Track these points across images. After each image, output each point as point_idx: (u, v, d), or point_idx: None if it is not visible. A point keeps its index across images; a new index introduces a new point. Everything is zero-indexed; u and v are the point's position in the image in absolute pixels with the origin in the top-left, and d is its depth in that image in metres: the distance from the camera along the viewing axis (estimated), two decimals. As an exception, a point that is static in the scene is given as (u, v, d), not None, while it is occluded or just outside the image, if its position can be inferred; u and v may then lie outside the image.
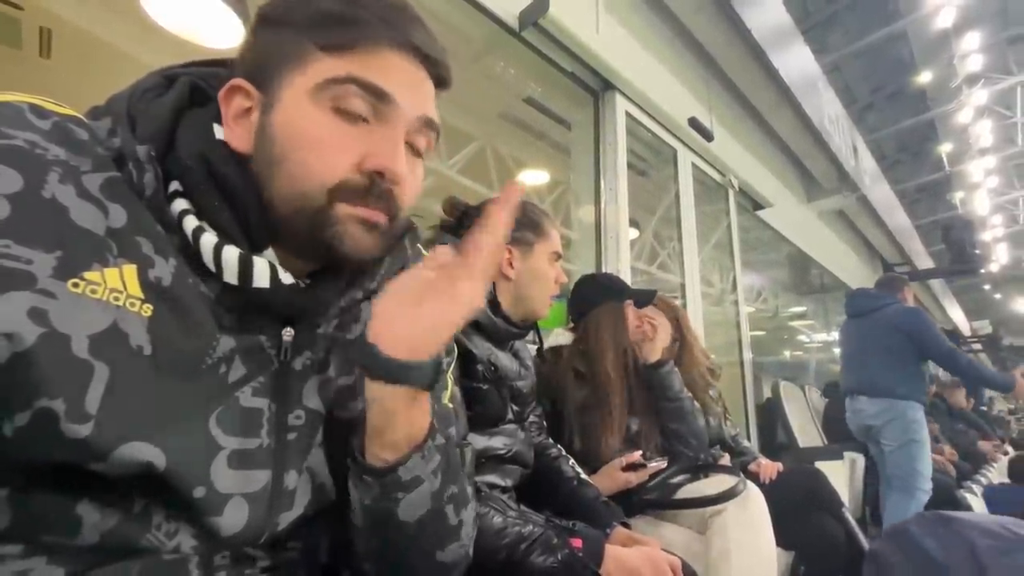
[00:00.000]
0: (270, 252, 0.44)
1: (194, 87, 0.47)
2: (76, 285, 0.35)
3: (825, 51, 8.15)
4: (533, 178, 3.72)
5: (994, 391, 2.66)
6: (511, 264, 1.00)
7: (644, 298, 1.43)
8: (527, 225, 1.02)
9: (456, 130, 3.12)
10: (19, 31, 2.24)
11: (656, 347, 1.42)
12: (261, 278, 0.42)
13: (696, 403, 1.48)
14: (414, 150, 0.48)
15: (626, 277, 2.24)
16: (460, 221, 1.02)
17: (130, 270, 0.38)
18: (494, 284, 0.97)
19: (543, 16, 1.91)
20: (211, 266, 0.41)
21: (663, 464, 1.22)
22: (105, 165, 0.39)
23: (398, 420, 0.44)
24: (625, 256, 2.29)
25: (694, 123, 2.81)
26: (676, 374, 1.43)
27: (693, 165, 2.94)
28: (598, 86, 2.41)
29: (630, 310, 1.40)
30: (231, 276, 0.41)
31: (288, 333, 0.45)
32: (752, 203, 3.67)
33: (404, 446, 0.45)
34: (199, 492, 0.39)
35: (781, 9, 3.73)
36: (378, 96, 0.43)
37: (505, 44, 2.10)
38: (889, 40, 8.54)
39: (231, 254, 0.41)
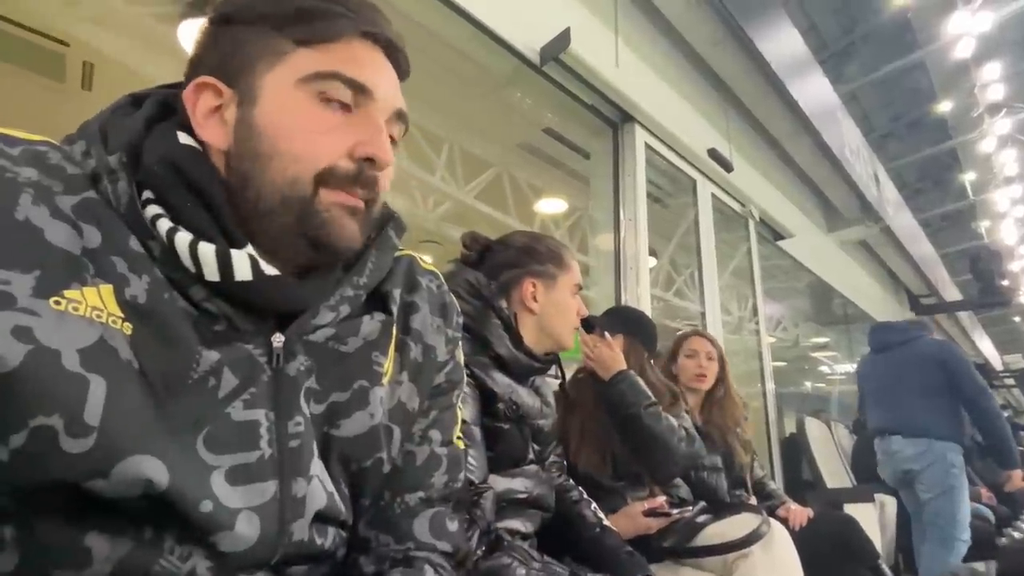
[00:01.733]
0: (249, 248, 0.43)
1: (162, 104, 0.48)
2: (58, 303, 0.35)
3: (842, 81, 8.16)
4: (550, 206, 3.74)
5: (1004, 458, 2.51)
6: (535, 298, 0.99)
7: (587, 324, 1.31)
8: (549, 258, 1.01)
9: (474, 157, 3.16)
10: (63, 65, 2.36)
11: (605, 363, 1.26)
12: (242, 271, 0.41)
13: (671, 418, 1.28)
14: (391, 140, 0.49)
15: (645, 305, 2.22)
16: (482, 256, 1.02)
17: (107, 290, 0.38)
18: (515, 317, 0.96)
19: (564, 51, 1.94)
20: (189, 265, 0.40)
21: (687, 512, 1.17)
22: (79, 186, 0.40)
23: None
24: (645, 285, 2.27)
25: (714, 154, 2.81)
26: (636, 384, 1.24)
27: (713, 195, 2.93)
28: (617, 118, 2.43)
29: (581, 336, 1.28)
30: (211, 273, 0.40)
31: (278, 339, 0.44)
32: (773, 233, 3.63)
33: None
34: (206, 506, 0.38)
35: (799, 40, 3.76)
36: (360, 90, 0.45)
37: (526, 77, 2.14)
38: (907, 70, 8.53)
39: (207, 250, 0.40)
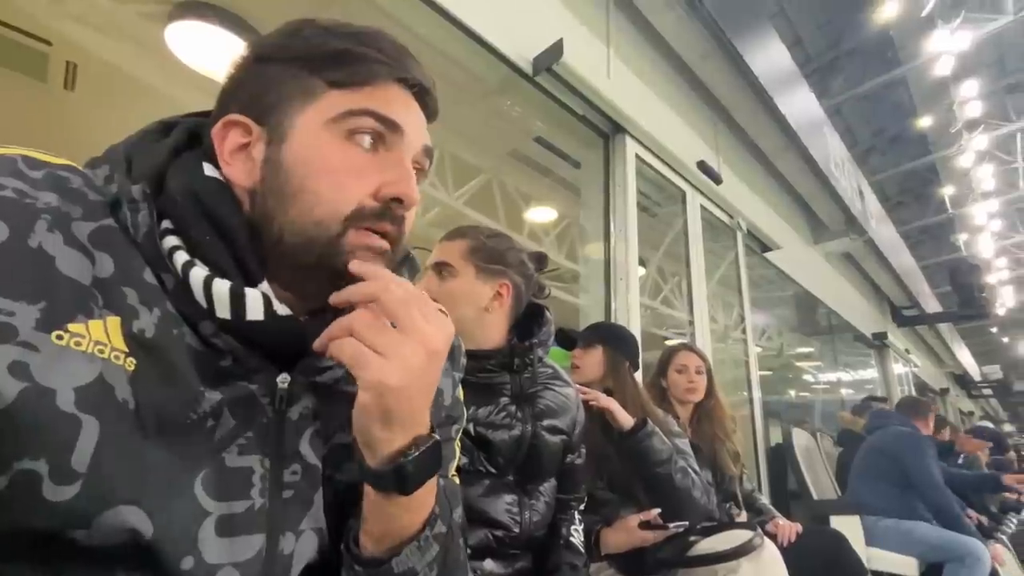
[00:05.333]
0: (265, 286, 0.43)
1: (191, 133, 0.47)
2: (60, 337, 0.34)
3: (827, 95, 8.33)
4: (539, 214, 3.74)
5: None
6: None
7: (568, 338, 1.30)
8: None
9: (464, 163, 3.16)
10: (46, 65, 2.30)
11: (619, 413, 1.22)
12: (255, 311, 0.40)
13: (690, 464, 1.30)
14: (418, 174, 0.49)
15: (635, 314, 2.23)
16: None
17: (114, 322, 0.37)
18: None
19: (557, 62, 1.95)
20: (202, 301, 0.39)
21: (683, 527, 1.17)
22: (97, 212, 0.39)
23: (389, 512, 0.41)
24: (635, 294, 2.27)
25: (703, 166, 2.84)
26: (661, 437, 1.24)
27: (701, 207, 2.96)
28: (609, 129, 2.44)
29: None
30: (223, 310, 0.39)
31: (284, 380, 0.43)
32: (760, 244, 3.67)
33: (398, 537, 0.42)
34: (187, 563, 0.36)
35: (786, 54, 3.82)
36: (391, 127, 0.45)
37: (518, 86, 2.14)
38: (889, 86, 8.74)
39: (221, 287, 0.39)
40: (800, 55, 7.78)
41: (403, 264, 0.53)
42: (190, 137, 0.47)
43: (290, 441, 0.43)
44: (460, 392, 0.60)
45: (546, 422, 0.93)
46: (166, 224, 0.41)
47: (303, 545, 0.42)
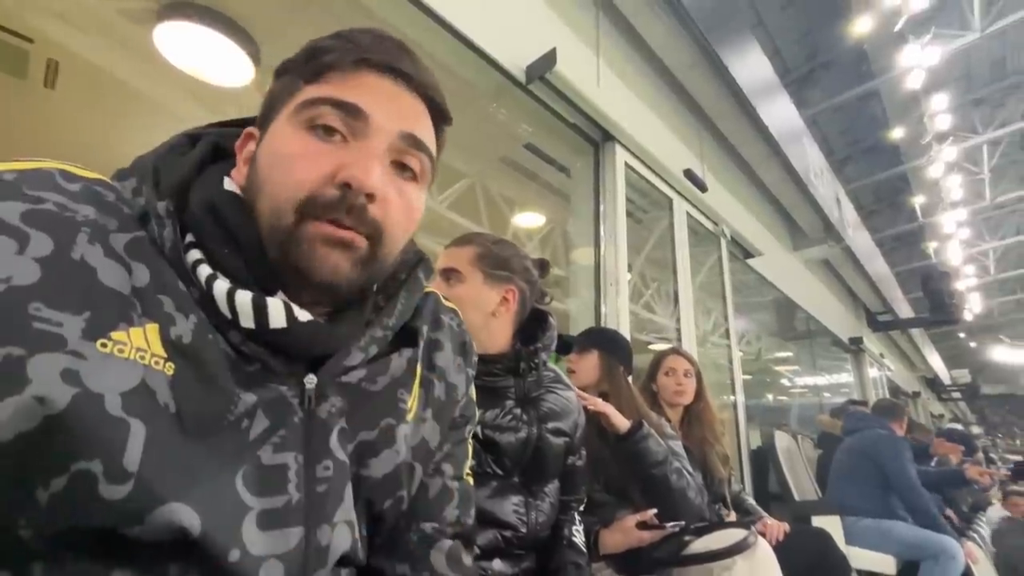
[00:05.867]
0: (281, 294, 0.44)
1: (216, 146, 0.49)
2: (104, 345, 0.35)
3: (804, 106, 8.56)
4: (524, 219, 3.77)
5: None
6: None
7: (563, 343, 1.29)
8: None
9: (449, 168, 3.17)
10: (26, 62, 2.25)
11: (614, 417, 1.24)
12: (277, 319, 0.41)
13: (684, 465, 1.32)
14: (404, 169, 0.47)
15: (624, 319, 2.26)
16: None
17: (153, 329, 0.38)
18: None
19: (550, 70, 1.98)
20: (227, 312, 0.41)
21: (679, 527, 1.19)
22: (130, 225, 0.40)
23: None
24: (624, 300, 2.30)
25: (689, 174, 2.89)
26: (657, 439, 1.26)
27: (687, 214, 3.01)
28: (598, 136, 2.48)
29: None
30: (247, 320, 0.41)
31: (311, 381, 0.44)
32: (742, 251, 3.75)
33: None
34: (234, 556, 0.37)
35: (767, 66, 3.93)
36: (351, 112, 0.43)
37: (509, 93, 2.16)
38: (863, 98, 9.02)
39: (244, 298, 0.41)
40: (778, 66, 7.98)
41: (417, 267, 0.54)
42: (215, 149, 0.49)
43: (320, 438, 0.44)
44: (473, 391, 0.61)
45: (550, 424, 0.95)
46: (189, 238, 0.43)
47: (338, 537, 0.43)
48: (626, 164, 2.51)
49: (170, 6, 2.08)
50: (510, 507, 0.88)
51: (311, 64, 0.45)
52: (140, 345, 0.37)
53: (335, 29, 0.48)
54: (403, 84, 0.46)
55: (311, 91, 0.44)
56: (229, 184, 0.46)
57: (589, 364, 1.43)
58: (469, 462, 0.60)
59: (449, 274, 0.93)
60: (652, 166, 2.67)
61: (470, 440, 0.61)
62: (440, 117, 0.50)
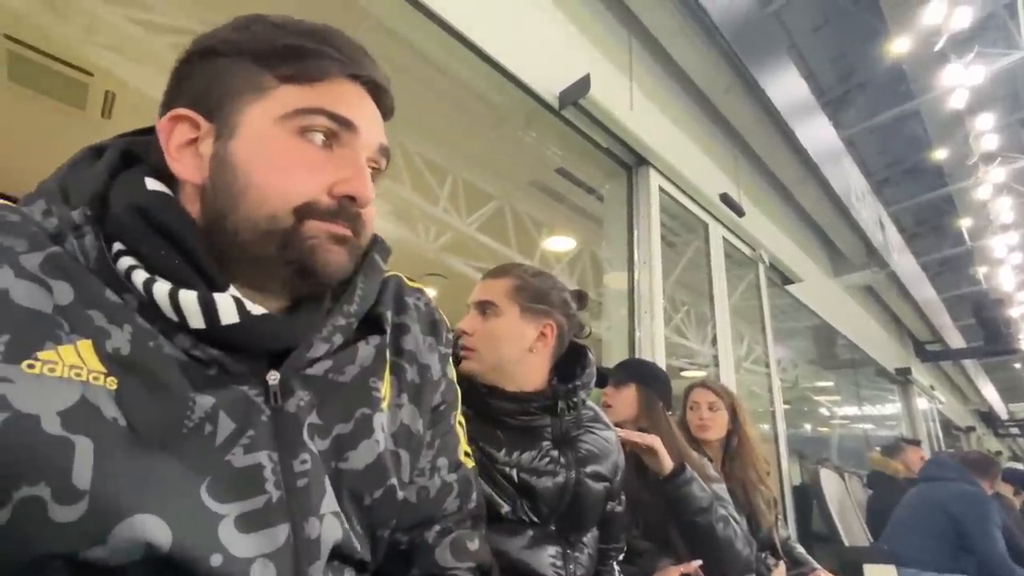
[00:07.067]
0: (232, 290, 0.43)
1: (125, 152, 0.47)
2: (31, 366, 0.34)
3: (840, 127, 8.36)
4: (554, 243, 3.73)
5: None
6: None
7: (600, 376, 1.19)
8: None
9: (478, 189, 3.17)
10: (85, 94, 2.38)
11: (660, 456, 1.14)
12: (228, 315, 0.40)
13: (730, 512, 1.23)
14: (375, 172, 0.49)
15: (660, 345, 2.19)
16: None
17: (86, 345, 0.36)
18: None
19: (584, 96, 1.96)
20: (171, 315, 0.39)
21: None
22: (43, 243, 0.39)
23: None
24: (659, 325, 2.24)
25: (725, 199, 2.82)
26: (701, 484, 1.17)
27: (724, 239, 2.93)
28: (632, 161, 2.45)
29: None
30: (196, 320, 0.39)
31: (274, 377, 0.43)
32: (781, 277, 3.62)
33: None
34: (216, 560, 0.36)
35: (804, 87, 3.85)
36: (344, 125, 0.45)
37: (541, 118, 2.15)
38: (902, 118, 8.76)
39: (188, 297, 0.39)
40: (813, 88, 7.84)
41: (371, 249, 0.52)
42: (124, 157, 0.46)
43: (293, 433, 0.43)
44: (452, 372, 0.60)
45: (589, 468, 0.88)
46: (118, 246, 0.41)
47: (328, 528, 0.42)
48: (660, 188, 2.47)
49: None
50: (547, 559, 0.81)
51: (293, 64, 0.43)
52: (73, 363, 0.35)
53: (372, 56, 0.49)
54: (375, 95, 0.48)
55: (301, 97, 0.43)
56: (153, 184, 0.44)
57: (626, 398, 1.36)
58: (463, 444, 0.59)
59: (485, 307, 0.89)
60: (687, 190, 2.62)
61: (457, 424, 0.60)
62: (388, 116, 0.51)
